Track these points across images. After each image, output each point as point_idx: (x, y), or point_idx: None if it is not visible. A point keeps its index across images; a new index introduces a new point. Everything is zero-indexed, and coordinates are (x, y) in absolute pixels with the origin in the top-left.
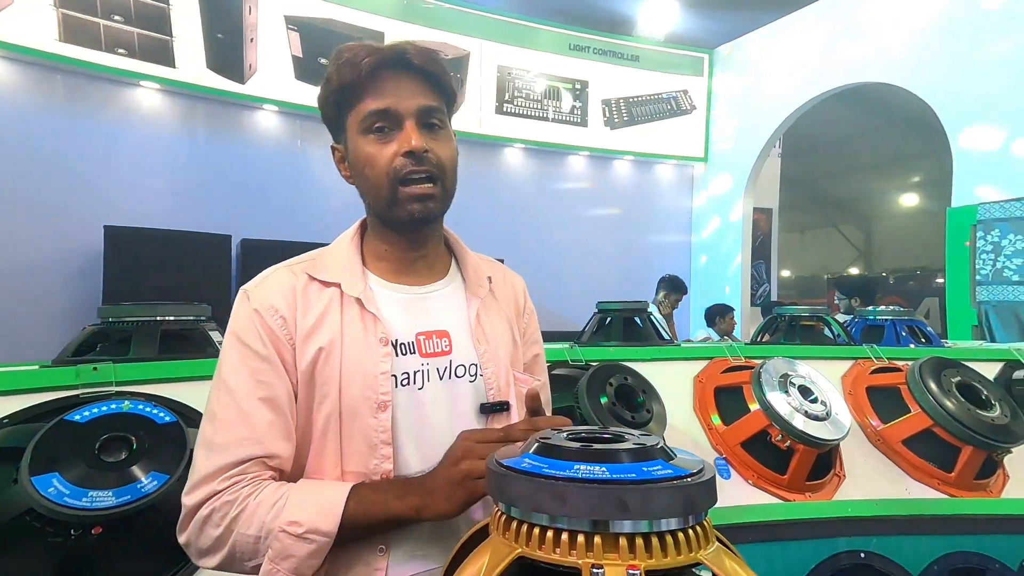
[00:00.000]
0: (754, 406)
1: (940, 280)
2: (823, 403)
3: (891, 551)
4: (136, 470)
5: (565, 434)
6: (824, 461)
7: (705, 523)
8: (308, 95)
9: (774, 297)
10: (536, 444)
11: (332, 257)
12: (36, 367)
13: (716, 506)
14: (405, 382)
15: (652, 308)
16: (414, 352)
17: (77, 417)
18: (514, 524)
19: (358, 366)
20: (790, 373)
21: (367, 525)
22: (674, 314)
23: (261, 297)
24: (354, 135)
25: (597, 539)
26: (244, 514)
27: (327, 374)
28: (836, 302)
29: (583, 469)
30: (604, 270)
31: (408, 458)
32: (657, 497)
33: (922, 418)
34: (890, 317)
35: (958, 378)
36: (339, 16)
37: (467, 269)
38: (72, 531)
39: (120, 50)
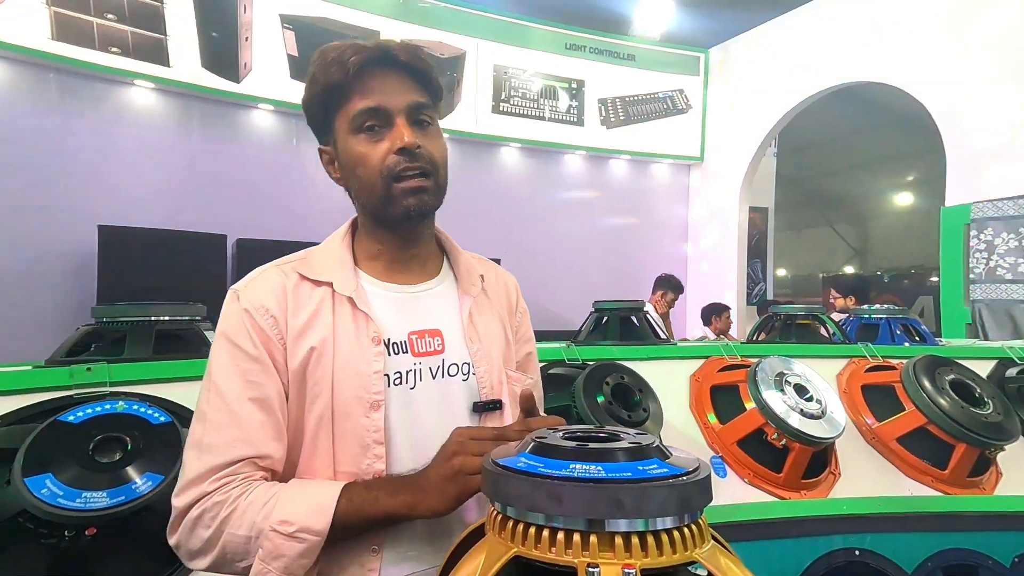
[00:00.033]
0: (750, 405)
1: (934, 279)
2: (818, 401)
3: (885, 548)
4: (130, 471)
5: (561, 433)
6: (819, 459)
7: (701, 521)
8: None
9: (770, 296)
10: (532, 443)
11: (323, 256)
12: (29, 367)
13: (712, 504)
14: (398, 381)
15: (648, 307)
16: (406, 351)
17: (71, 418)
18: (510, 523)
19: (351, 365)
20: (786, 372)
21: (359, 524)
22: (670, 313)
23: (251, 297)
24: (343, 135)
25: (593, 538)
26: (235, 514)
27: (319, 374)
28: (832, 300)
29: (579, 468)
30: (600, 269)
31: (401, 458)
32: (652, 496)
33: (916, 416)
34: (885, 316)
35: (952, 376)
36: (334, 15)
37: (459, 268)
38: (66, 532)
39: (114, 49)
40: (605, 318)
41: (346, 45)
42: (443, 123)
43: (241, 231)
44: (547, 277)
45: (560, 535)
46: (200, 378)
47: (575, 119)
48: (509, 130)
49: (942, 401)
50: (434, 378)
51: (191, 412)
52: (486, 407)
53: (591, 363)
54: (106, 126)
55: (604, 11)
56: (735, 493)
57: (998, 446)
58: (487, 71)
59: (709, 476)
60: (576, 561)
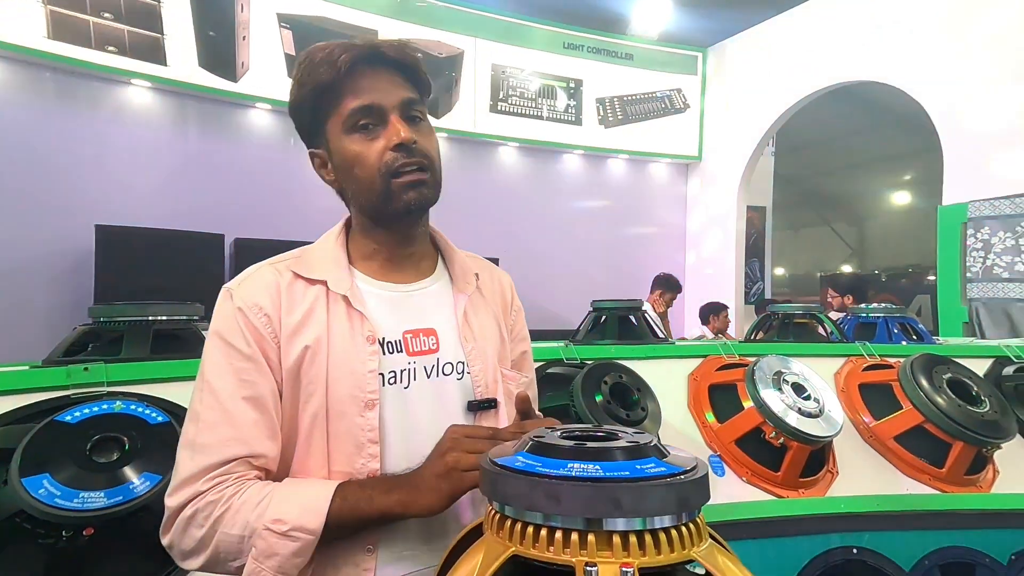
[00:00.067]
0: (748, 403)
1: (932, 278)
2: (816, 400)
3: (883, 546)
4: (128, 471)
5: (559, 432)
6: (817, 458)
7: (698, 520)
8: None
9: (768, 295)
10: (530, 443)
11: (317, 255)
12: (26, 367)
13: (710, 503)
14: (392, 381)
15: (647, 306)
16: (401, 351)
17: (68, 418)
18: (508, 523)
19: (345, 364)
20: (784, 371)
21: (353, 523)
22: (669, 312)
23: (244, 295)
24: (337, 136)
25: (591, 537)
26: (228, 513)
27: (313, 373)
28: (830, 299)
29: (577, 467)
30: (599, 268)
31: (395, 457)
32: (650, 495)
33: (913, 414)
34: (882, 314)
35: (949, 375)
36: (332, 14)
37: (454, 267)
38: (63, 532)
39: (110, 48)
40: (603, 317)
41: (333, 45)
42: (441, 122)
43: (239, 231)
44: (545, 276)
45: (558, 534)
46: None
47: (573, 118)
48: (507, 129)
49: (939, 399)
50: (428, 377)
51: None
52: (481, 406)
53: (589, 362)
54: (103, 125)
55: (602, 10)
56: (733, 492)
57: (995, 444)
58: (485, 70)
59: (707, 475)
60: (574, 560)
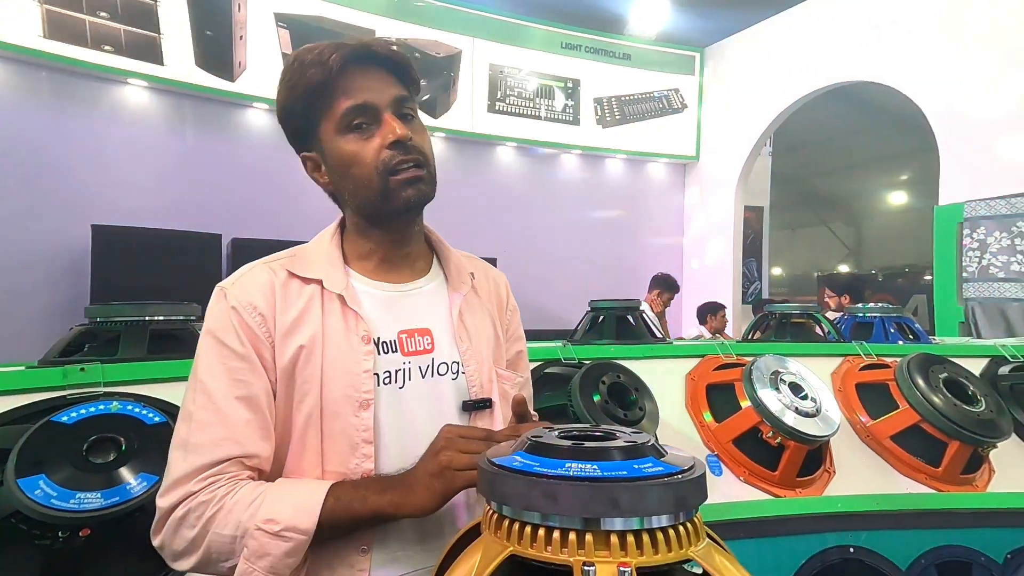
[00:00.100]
0: (745, 403)
1: (928, 277)
2: (813, 400)
3: (880, 546)
4: (125, 471)
5: (557, 432)
6: (814, 457)
7: (696, 520)
8: None
9: (765, 295)
10: (527, 443)
11: (312, 254)
12: (22, 368)
13: (707, 502)
14: (387, 380)
15: (644, 306)
16: (396, 351)
17: (64, 418)
18: (506, 523)
19: (340, 364)
20: (781, 370)
21: (347, 523)
22: (666, 312)
23: (238, 294)
24: (330, 137)
25: (588, 537)
26: (220, 514)
27: (308, 372)
28: (827, 299)
29: (574, 467)
30: (596, 268)
31: (389, 457)
32: (647, 494)
33: (910, 414)
34: (879, 314)
35: (945, 374)
36: (329, 13)
37: (449, 266)
38: (59, 533)
39: (107, 47)
40: (601, 317)
41: (322, 46)
42: (439, 122)
43: (236, 230)
44: (543, 276)
45: (556, 534)
46: None
47: (571, 118)
48: (505, 129)
49: (936, 399)
50: (423, 377)
51: None
52: (476, 406)
53: (587, 362)
54: (99, 125)
55: (600, 10)
56: (730, 491)
57: (991, 443)
58: (483, 70)
59: (704, 474)
60: (572, 560)
